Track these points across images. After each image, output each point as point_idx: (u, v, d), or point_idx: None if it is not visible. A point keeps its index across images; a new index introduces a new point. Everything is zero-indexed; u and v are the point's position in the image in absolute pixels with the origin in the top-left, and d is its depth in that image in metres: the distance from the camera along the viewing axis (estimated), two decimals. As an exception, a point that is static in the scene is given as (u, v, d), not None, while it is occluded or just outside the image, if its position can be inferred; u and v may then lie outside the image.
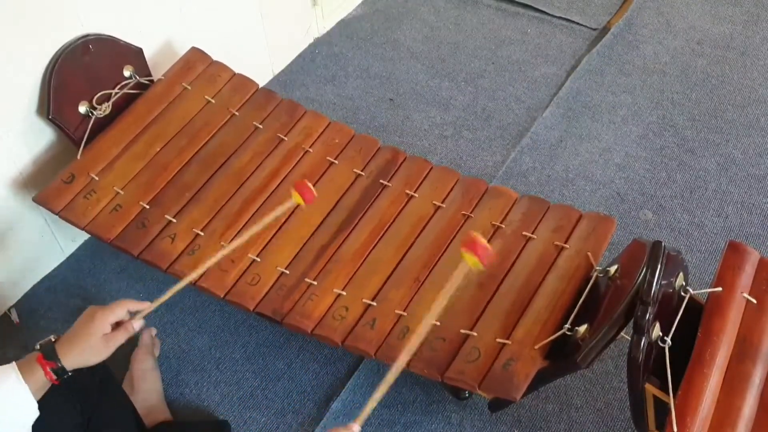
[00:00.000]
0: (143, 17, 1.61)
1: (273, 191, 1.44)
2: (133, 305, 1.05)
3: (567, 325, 1.11)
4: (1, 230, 1.50)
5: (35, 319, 1.57)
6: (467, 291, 1.25)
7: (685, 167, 1.81)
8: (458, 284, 0.98)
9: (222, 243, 1.35)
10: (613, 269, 1.13)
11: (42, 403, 1.08)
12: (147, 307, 1.08)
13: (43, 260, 1.64)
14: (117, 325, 1.04)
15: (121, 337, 1.03)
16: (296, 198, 1.21)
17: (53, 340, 1.00)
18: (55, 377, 0.97)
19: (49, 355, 0.97)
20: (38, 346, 0.99)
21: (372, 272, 1.30)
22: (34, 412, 0.96)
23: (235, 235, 1.36)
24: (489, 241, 1.33)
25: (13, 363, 0.97)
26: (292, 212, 1.40)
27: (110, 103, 1.50)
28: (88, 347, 1.00)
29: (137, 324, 1.05)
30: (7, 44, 1.34)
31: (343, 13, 2.32)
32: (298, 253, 1.35)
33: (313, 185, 1.43)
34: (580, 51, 2.15)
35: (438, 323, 1.21)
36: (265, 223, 1.19)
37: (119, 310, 1.03)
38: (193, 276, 1.17)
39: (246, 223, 1.38)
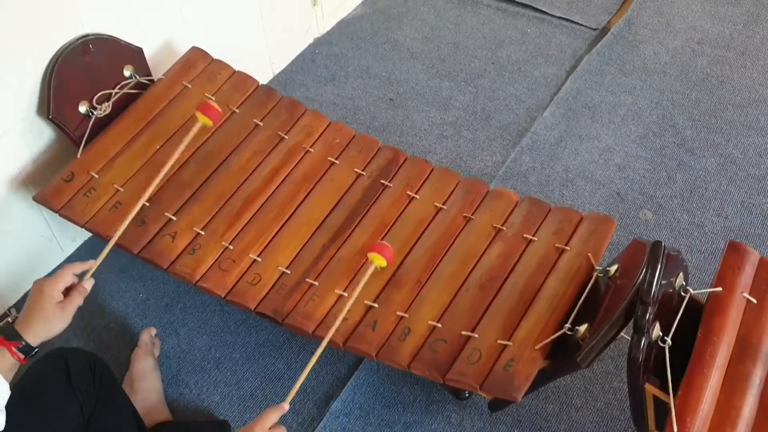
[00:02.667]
0: (143, 17, 1.61)
1: (274, 190, 1.44)
2: (77, 267, 1.09)
3: (567, 325, 1.11)
4: (1, 230, 1.50)
5: (35, 319, 1.57)
6: (469, 293, 1.25)
7: (685, 167, 1.81)
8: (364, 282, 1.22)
9: (223, 242, 1.35)
10: (613, 269, 1.14)
11: (43, 404, 1.08)
12: (92, 265, 1.12)
13: (43, 260, 1.64)
14: (68, 291, 1.06)
15: (76, 300, 1.06)
16: (202, 119, 1.31)
17: (11, 321, 1.02)
18: (22, 356, 1.00)
19: (11, 335, 0.99)
20: None
21: (373, 273, 1.30)
22: (5, 392, 0.97)
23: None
24: (490, 243, 1.33)
25: None
26: (291, 214, 1.40)
27: (110, 102, 1.50)
28: (45, 318, 1.02)
29: (88, 284, 1.09)
30: (7, 44, 1.34)
31: (343, 13, 2.32)
32: (299, 252, 1.35)
33: (314, 184, 1.45)
34: (580, 51, 2.15)
35: (439, 325, 1.21)
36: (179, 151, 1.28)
37: (64, 276, 1.07)
38: (122, 229, 1.24)
39: (247, 223, 1.38)
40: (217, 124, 1.36)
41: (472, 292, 1.25)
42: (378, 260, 1.23)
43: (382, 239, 1.35)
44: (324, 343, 1.15)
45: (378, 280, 1.29)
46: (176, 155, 1.30)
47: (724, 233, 1.67)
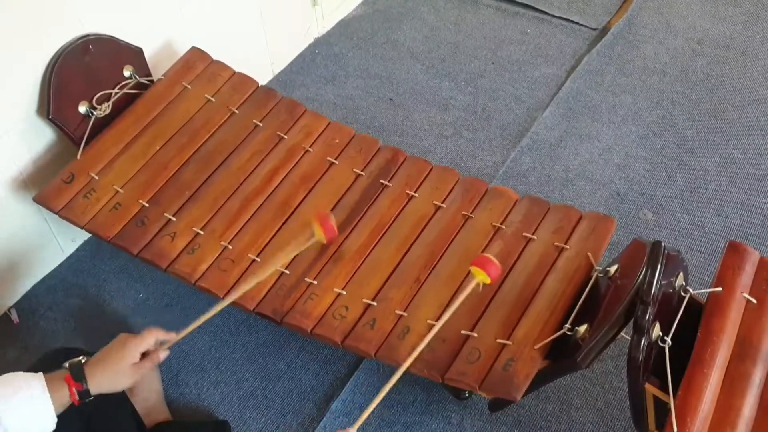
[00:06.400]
0: (143, 17, 1.61)
1: (273, 190, 1.44)
2: (161, 335, 1.08)
3: (567, 325, 1.11)
4: (1, 230, 1.50)
5: (35, 319, 1.57)
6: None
7: (685, 167, 1.81)
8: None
9: (222, 242, 1.35)
10: (613, 269, 1.14)
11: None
12: (174, 337, 1.10)
13: (43, 260, 1.64)
14: (144, 354, 1.06)
15: (147, 366, 1.05)
16: (318, 233, 1.27)
17: (83, 361, 1.01)
18: (78, 398, 0.99)
19: (78, 376, 0.99)
20: (67, 365, 1.00)
21: (372, 272, 1.30)
22: (51, 426, 0.97)
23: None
24: (489, 242, 1.33)
25: (41, 374, 0.98)
26: (290, 214, 1.40)
27: (110, 103, 1.50)
28: (116, 374, 1.02)
29: (163, 354, 1.08)
30: (7, 44, 1.34)
31: (343, 13, 2.32)
32: (298, 252, 1.34)
33: (314, 184, 1.45)
34: (580, 51, 2.15)
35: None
36: (289, 256, 1.28)
37: (149, 340, 1.06)
38: (232, 298, 1.20)
39: (246, 222, 1.39)
40: (329, 242, 1.30)
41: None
42: (481, 276, 1.13)
43: (380, 238, 1.35)
44: (405, 365, 1.10)
45: (376, 278, 1.29)
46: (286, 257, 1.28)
47: (724, 233, 1.66)
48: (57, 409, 0.97)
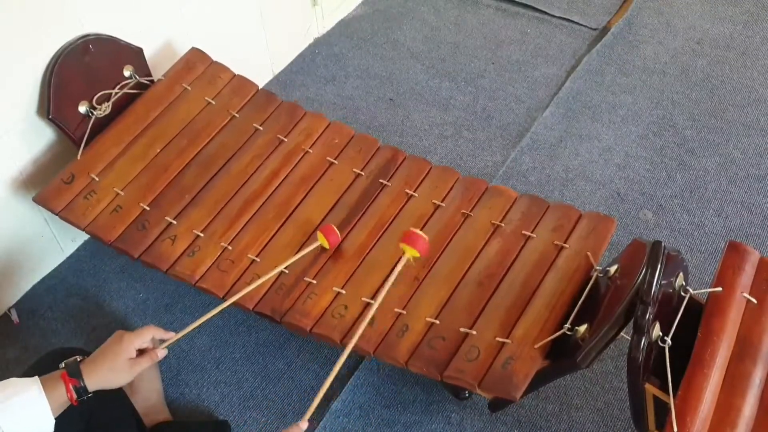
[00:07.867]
0: (143, 17, 1.61)
1: (273, 192, 1.44)
2: (159, 333, 1.08)
3: (567, 325, 1.11)
4: (1, 230, 1.50)
5: (35, 319, 1.57)
6: (467, 289, 1.25)
7: (685, 167, 1.81)
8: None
9: (222, 243, 1.35)
10: (613, 269, 1.13)
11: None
12: (172, 336, 1.11)
13: (43, 260, 1.64)
14: (141, 351, 1.06)
15: (144, 363, 1.05)
16: (321, 240, 1.31)
17: (78, 360, 1.01)
18: (75, 396, 0.98)
19: (74, 373, 0.99)
20: (63, 365, 1.00)
21: (371, 271, 1.30)
22: (50, 428, 0.97)
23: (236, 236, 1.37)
24: (488, 239, 1.33)
25: (37, 377, 0.98)
26: (290, 215, 1.40)
27: (110, 103, 1.50)
28: (112, 369, 1.02)
29: (161, 353, 1.08)
30: (7, 44, 1.34)
31: (343, 13, 2.32)
32: (297, 252, 1.34)
33: (313, 185, 1.45)
34: (580, 51, 2.15)
35: (437, 322, 1.21)
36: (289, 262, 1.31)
37: (146, 336, 1.06)
38: (233, 299, 1.21)
39: (246, 223, 1.39)
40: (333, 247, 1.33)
41: (470, 289, 1.25)
42: (411, 252, 1.21)
43: (380, 237, 1.35)
44: (347, 350, 1.12)
45: (375, 277, 1.29)
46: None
47: (724, 233, 1.66)
48: (55, 410, 0.97)
